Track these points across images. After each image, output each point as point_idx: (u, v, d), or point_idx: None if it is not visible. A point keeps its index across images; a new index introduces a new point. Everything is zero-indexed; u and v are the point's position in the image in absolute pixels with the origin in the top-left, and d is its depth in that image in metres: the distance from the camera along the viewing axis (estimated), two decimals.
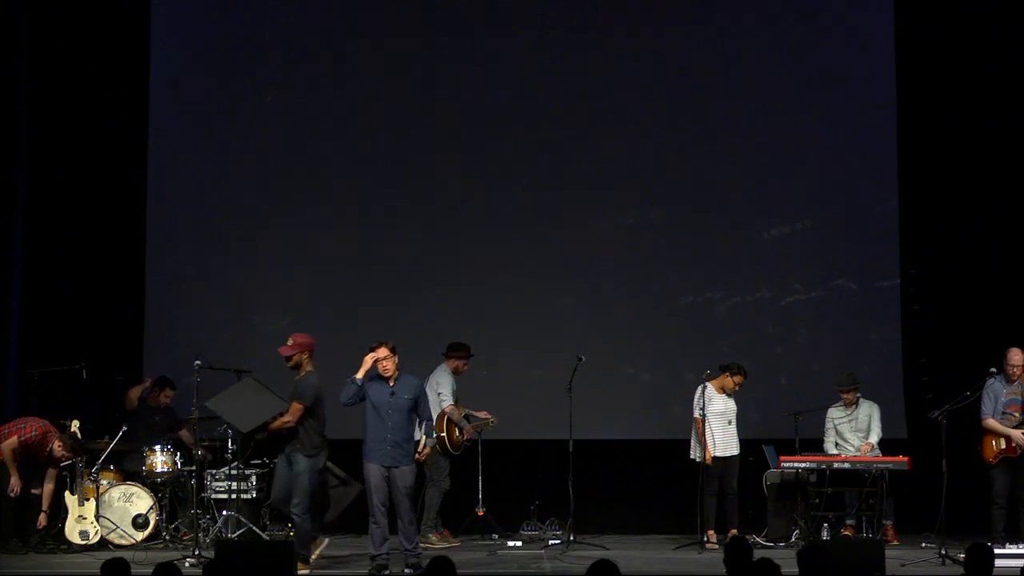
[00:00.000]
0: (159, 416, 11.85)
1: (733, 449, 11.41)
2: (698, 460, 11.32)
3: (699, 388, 11.27)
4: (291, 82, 12.82)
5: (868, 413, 11.60)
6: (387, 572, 9.77)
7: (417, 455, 10.08)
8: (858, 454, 11.43)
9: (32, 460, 10.97)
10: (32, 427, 10.94)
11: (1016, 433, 10.81)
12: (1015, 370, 10.90)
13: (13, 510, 11.05)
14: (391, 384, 9.90)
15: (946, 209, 12.56)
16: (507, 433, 11.85)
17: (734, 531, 11.10)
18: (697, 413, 11.25)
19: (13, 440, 10.88)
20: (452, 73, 12.78)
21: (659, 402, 12.45)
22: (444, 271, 12.66)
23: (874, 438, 11.52)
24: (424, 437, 10.16)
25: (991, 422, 10.92)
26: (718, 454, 11.28)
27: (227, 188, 12.80)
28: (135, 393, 11.73)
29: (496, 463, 11.85)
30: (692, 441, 11.45)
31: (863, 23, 12.76)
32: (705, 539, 11.10)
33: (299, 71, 12.82)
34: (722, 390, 11.39)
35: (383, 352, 9.87)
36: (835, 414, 11.66)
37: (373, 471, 9.83)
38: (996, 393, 10.93)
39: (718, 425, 11.30)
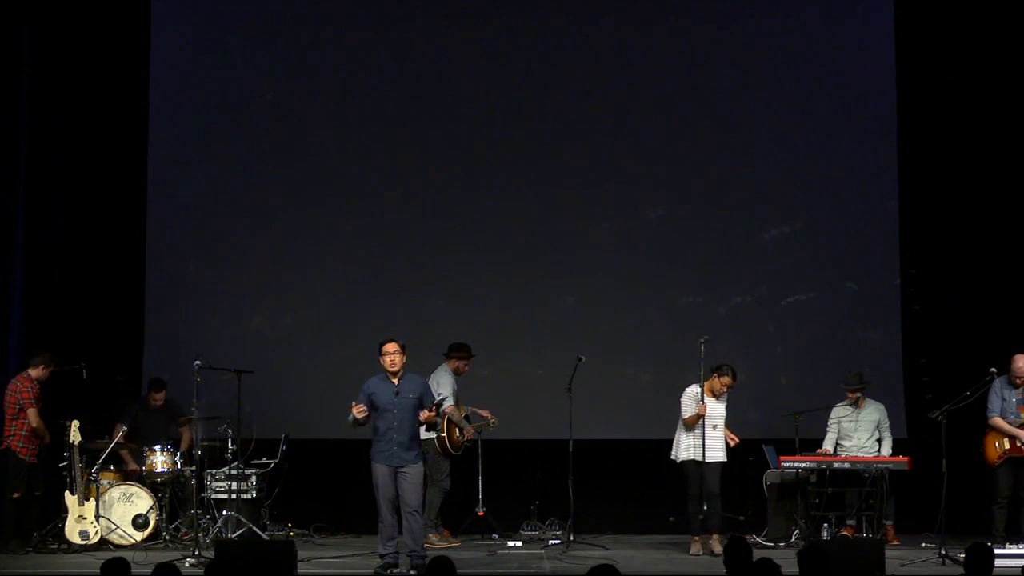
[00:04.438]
0: (157, 417, 11.86)
1: (716, 455, 11.01)
2: (679, 461, 11.08)
3: (694, 388, 11.04)
4: (292, 81, 12.81)
5: (875, 419, 11.56)
6: (395, 570, 9.77)
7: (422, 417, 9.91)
8: (859, 454, 11.42)
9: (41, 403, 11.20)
10: (23, 389, 11.09)
11: (1023, 433, 10.82)
12: (1018, 381, 10.91)
13: (13, 510, 11.07)
14: (395, 383, 9.91)
15: (946, 209, 12.54)
16: (507, 433, 11.84)
17: (716, 535, 10.90)
18: (687, 413, 10.98)
19: (32, 412, 11.02)
20: (453, 71, 12.77)
21: (659, 402, 12.40)
22: (444, 271, 12.66)
23: (886, 450, 11.49)
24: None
25: (998, 420, 10.92)
26: (695, 457, 10.94)
27: (227, 188, 12.80)
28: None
29: (496, 463, 11.84)
30: (675, 442, 11.14)
31: (863, 23, 12.75)
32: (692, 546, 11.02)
33: (300, 69, 12.81)
34: (711, 392, 11.10)
35: (392, 347, 9.90)
36: (840, 412, 11.63)
37: (380, 470, 9.84)
38: (1004, 394, 10.93)
39: (700, 428, 10.97)
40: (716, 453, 11.04)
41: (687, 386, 11.18)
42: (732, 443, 11.18)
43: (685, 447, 11.05)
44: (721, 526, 11.02)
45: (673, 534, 11.92)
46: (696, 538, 10.99)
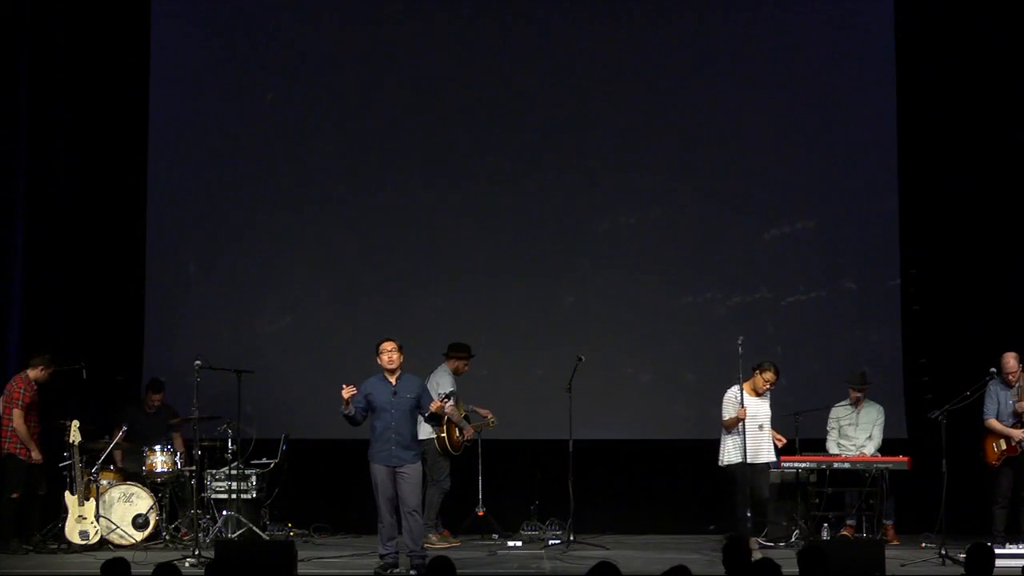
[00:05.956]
0: (153, 421, 11.84)
1: (764, 455, 10.83)
2: (724, 465, 10.82)
3: (733, 389, 10.76)
4: (292, 81, 12.81)
5: (874, 419, 11.57)
6: (395, 571, 9.78)
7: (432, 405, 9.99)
8: (859, 454, 11.42)
9: (39, 405, 11.13)
10: (15, 390, 11.04)
11: (1016, 432, 10.84)
12: (1010, 377, 10.93)
13: (13, 510, 11.06)
14: (393, 383, 9.92)
15: (946, 209, 12.55)
16: (507, 433, 11.85)
17: (759, 540, 10.64)
18: (729, 414, 10.71)
19: (17, 413, 10.96)
20: (452, 70, 12.77)
21: (659, 402, 12.45)
22: (444, 271, 12.66)
23: (870, 448, 11.48)
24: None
25: (992, 421, 10.97)
26: (749, 460, 10.68)
27: (227, 188, 12.80)
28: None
29: (496, 463, 11.85)
30: (722, 446, 10.88)
31: (863, 23, 12.75)
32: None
33: (300, 69, 12.81)
34: (754, 392, 10.83)
35: (389, 346, 9.92)
36: (839, 412, 11.64)
37: (379, 470, 9.85)
38: (998, 395, 10.97)
39: (748, 429, 10.68)
40: (765, 454, 10.81)
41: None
42: (779, 444, 11.02)
43: (732, 451, 10.74)
44: (765, 531, 10.85)
45: (674, 535, 11.96)
46: (754, 539, 10.63)
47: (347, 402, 9.76)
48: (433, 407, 9.97)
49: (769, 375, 10.82)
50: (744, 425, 10.63)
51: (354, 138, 12.77)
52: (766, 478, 10.84)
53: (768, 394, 10.94)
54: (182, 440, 11.81)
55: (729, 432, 10.78)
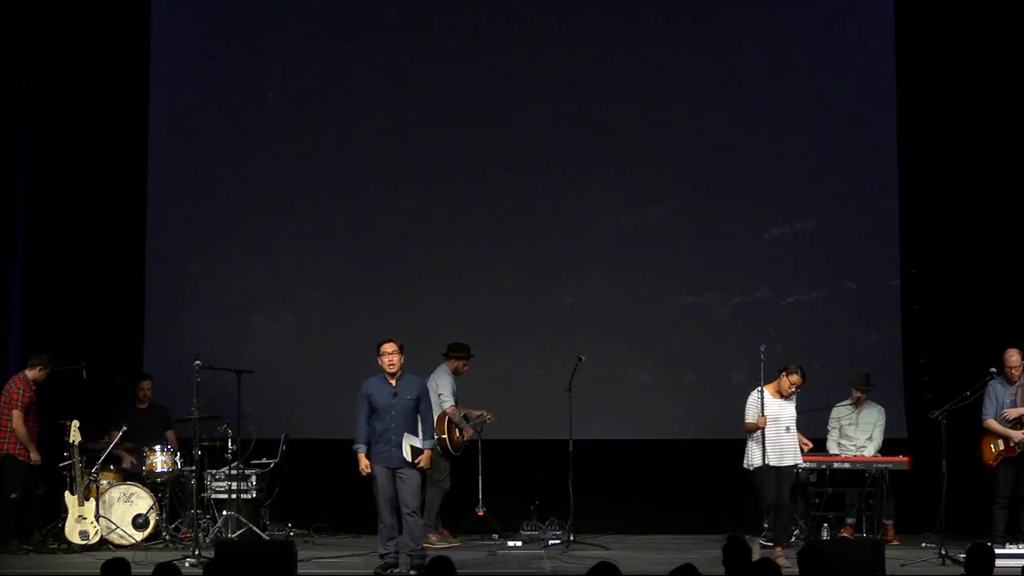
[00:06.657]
0: (146, 418, 11.82)
1: (789, 458, 10.57)
2: (752, 468, 10.55)
3: (755, 393, 10.56)
4: (292, 81, 12.81)
5: (875, 420, 11.56)
6: (395, 571, 9.78)
7: (418, 462, 9.93)
8: (859, 454, 11.42)
9: (38, 404, 11.14)
10: (13, 391, 11.05)
11: (1016, 433, 10.84)
12: (1013, 371, 10.94)
13: (13, 511, 11.06)
14: (393, 384, 9.91)
15: (946, 209, 12.55)
16: (507, 433, 11.85)
17: (779, 548, 10.42)
18: (751, 418, 10.49)
19: (16, 414, 10.96)
20: (452, 70, 12.77)
21: (659, 402, 12.44)
22: (444, 271, 12.66)
23: (870, 450, 11.47)
24: (421, 444, 9.93)
25: (991, 422, 10.97)
26: (771, 463, 10.44)
27: (227, 188, 12.80)
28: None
29: (496, 463, 11.84)
30: (747, 449, 10.63)
31: (863, 23, 12.76)
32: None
33: (300, 69, 12.81)
34: (778, 393, 10.58)
35: (390, 348, 9.91)
36: (840, 412, 11.64)
37: (379, 471, 9.85)
38: (997, 395, 10.97)
39: (772, 432, 10.45)
40: (790, 456, 10.56)
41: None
42: (805, 448, 10.88)
43: (757, 453, 10.49)
44: (788, 538, 10.72)
45: (674, 534, 11.95)
46: (778, 547, 10.48)
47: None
48: (421, 463, 9.91)
49: (795, 377, 10.58)
50: (765, 429, 10.44)
51: (354, 138, 12.77)
52: (789, 482, 10.65)
53: (794, 396, 10.69)
54: (176, 438, 11.79)
55: (752, 435, 10.59)
